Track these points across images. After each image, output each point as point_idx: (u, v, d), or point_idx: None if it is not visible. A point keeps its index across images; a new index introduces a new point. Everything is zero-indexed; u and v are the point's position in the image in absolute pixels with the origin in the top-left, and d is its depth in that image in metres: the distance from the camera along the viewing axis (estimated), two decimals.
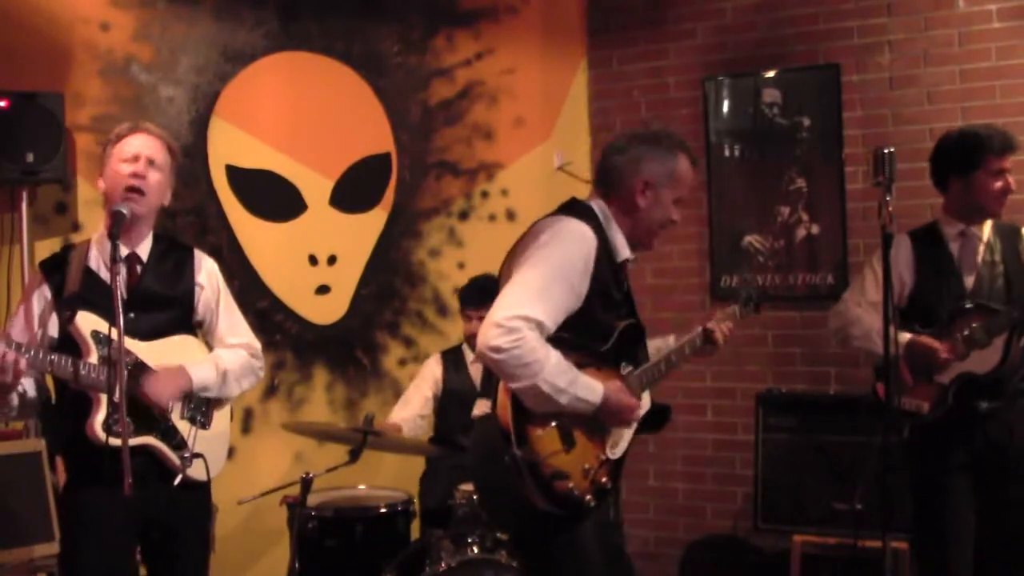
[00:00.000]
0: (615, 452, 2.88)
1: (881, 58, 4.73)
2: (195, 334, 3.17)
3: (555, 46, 5.30)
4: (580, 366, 2.76)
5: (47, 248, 3.99)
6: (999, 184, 3.51)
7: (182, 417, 3.03)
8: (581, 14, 5.38)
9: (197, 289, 3.13)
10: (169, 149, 3.09)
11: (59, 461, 3.60)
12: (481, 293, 4.17)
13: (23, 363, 2.69)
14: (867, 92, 4.76)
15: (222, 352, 3.17)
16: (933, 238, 3.63)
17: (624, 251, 2.90)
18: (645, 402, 2.98)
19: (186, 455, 2.95)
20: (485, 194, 5.12)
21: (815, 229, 4.85)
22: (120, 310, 2.63)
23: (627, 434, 2.93)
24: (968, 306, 3.51)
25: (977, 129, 3.64)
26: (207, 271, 3.18)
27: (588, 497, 2.77)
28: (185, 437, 3.00)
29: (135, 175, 2.96)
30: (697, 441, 5.07)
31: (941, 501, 3.46)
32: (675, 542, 4.99)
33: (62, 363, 2.80)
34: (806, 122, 4.87)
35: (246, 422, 4.54)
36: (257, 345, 3.27)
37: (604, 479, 2.83)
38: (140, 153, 3.00)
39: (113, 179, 3.00)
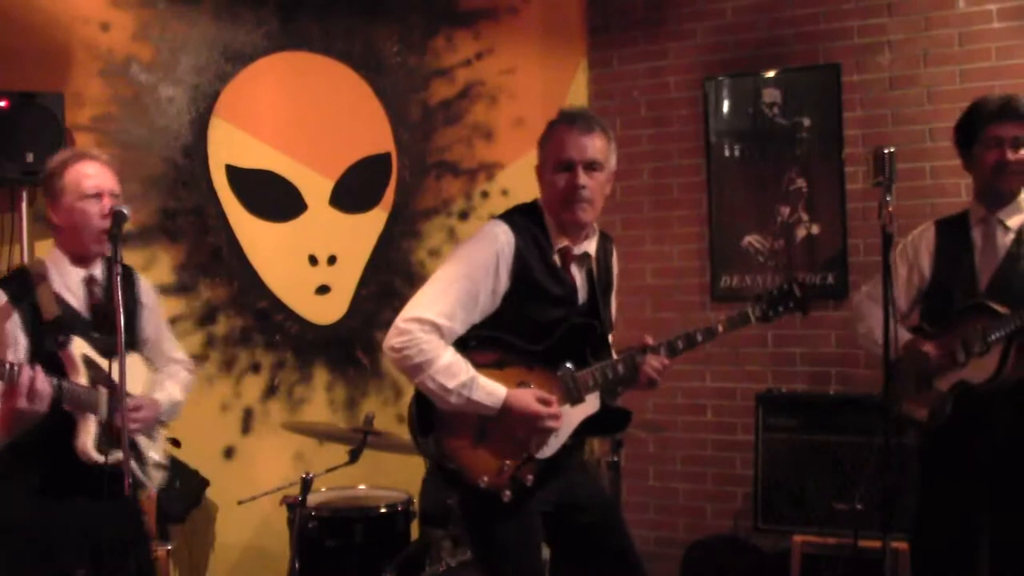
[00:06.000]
0: (544, 452, 2.81)
1: (881, 58, 4.73)
2: (139, 351, 3.11)
3: (555, 46, 5.29)
4: (500, 364, 2.77)
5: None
6: (994, 155, 3.17)
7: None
8: (581, 14, 5.37)
9: (140, 308, 3.10)
10: (115, 172, 2.99)
11: None
12: None
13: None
14: (867, 92, 4.76)
15: (180, 377, 3.20)
16: (959, 226, 3.30)
17: (559, 240, 2.89)
18: (591, 404, 2.88)
19: (146, 466, 3.01)
20: (485, 194, 5.12)
21: (815, 229, 4.84)
22: (121, 314, 2.62)
23: (560, 435, 2.83)
24: (972, 305, 3.16)
25: (983, 97, 3.34)
26: (147, 290, 3.16)
27: (506, 492, 2.76)
28: (142, 450, 3.03)
29: (107, 217, 2.84)
30: (697, 441, 5.07)
31: (945, 506, 3.24)
32: (675, 542, 4.98)
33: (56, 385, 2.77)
34: (806, 122, 4.86)
35: (246, 422, 4.54)
36: (190, 360, 3.32)
37: (528, 477, 2.79)
38: (102, 189, 2.89)
39: (82, 220, 2.89)
